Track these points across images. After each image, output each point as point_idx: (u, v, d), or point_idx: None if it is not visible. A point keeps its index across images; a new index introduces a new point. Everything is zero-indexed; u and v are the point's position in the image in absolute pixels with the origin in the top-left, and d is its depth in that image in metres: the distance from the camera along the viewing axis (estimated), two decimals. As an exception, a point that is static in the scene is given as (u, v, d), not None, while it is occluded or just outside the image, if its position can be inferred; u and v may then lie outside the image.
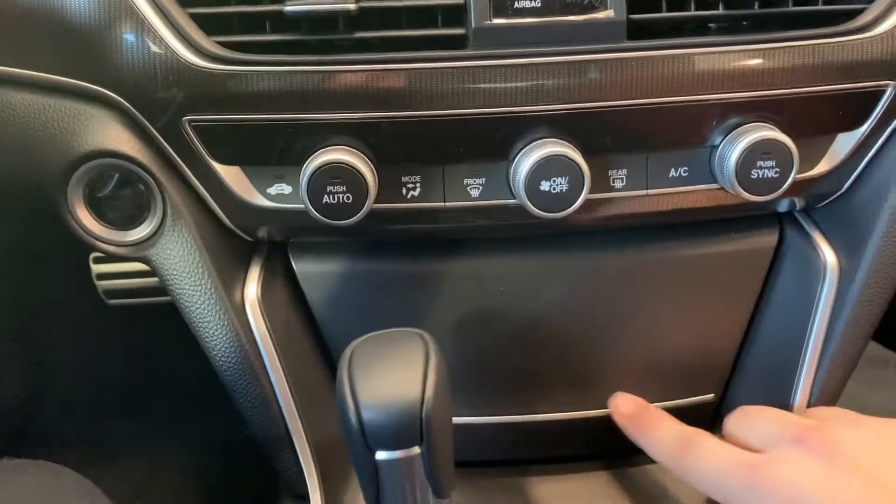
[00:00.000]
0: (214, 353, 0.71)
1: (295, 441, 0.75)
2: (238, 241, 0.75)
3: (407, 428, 0.57)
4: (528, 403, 0.84)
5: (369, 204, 0.67)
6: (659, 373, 0.84)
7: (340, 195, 0.66)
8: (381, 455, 0.58)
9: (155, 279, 0.72)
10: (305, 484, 0.76)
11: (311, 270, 0.77)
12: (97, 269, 1.20)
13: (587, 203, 0.69)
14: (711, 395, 0.87)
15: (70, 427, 1.39)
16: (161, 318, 0.98)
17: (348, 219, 0.67)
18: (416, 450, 0.58)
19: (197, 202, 0.71)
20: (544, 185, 0.67)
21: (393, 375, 0.59)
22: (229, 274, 0.73)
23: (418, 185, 0.70)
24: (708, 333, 0.83)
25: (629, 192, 0.72)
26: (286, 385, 0.73)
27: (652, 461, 0.75)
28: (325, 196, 0.66)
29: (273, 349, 0.73)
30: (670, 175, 0.72)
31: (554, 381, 0.84)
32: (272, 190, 0.70)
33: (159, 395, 1.40)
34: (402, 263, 0.77)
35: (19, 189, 0.71)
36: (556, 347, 0.82)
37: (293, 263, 0.77)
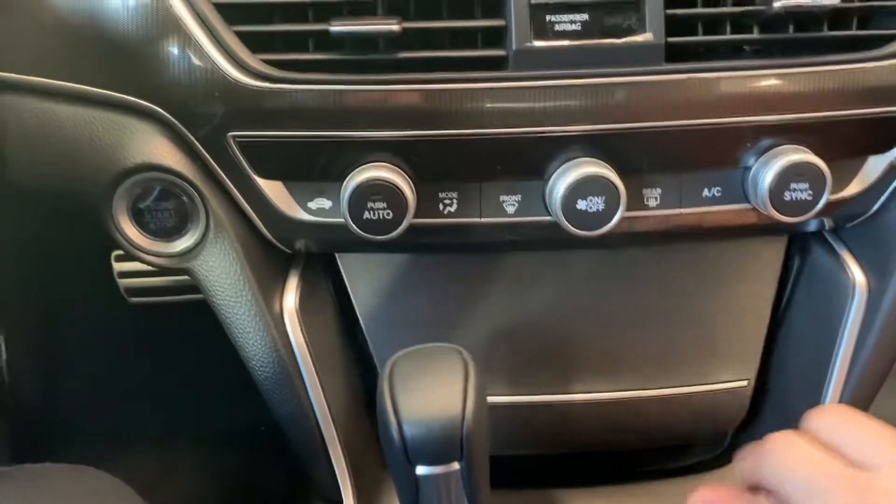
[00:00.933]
0: (254, 363, 0.73)
1: (330, 450, 0.76)
2: (277, 252, 0.76)
3: (448, 443, 0.59)
4: (563, 385, 0.87)
5: (408, 219, 0.68)
6: (689, 357, 0.86)
7: (381, 211, 0.67)
8: (421, 469, 0.60)
9: (176, 278, 0.73)
10: (339, 491, 0.78)
11: (359, 276, 0.79)
12: (119, 267, 1.21)
13: (621, 221, 0.70)
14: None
15: (90, 423, 1.41)
16: (181, 315, 1.00)
17: (388, 234, 0.68)
18: (456, 465, 0.60)
19: (239, 215, 0.72)
20: (581, 205, 0.68)
21: (434, 391, 0.60)
22: (268, 285, 0.74)
23: (455, 200, 0.72)
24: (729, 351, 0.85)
25: (663, 210, 0.73)
26: (322, 395, 0.75)
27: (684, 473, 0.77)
28: (366, 212, 0.67)
29: (310, 359, 0.74)
30: (703, 195, 0.73)
31: (587, 366, 0.87)
32: (313, 204, 0.72)
33: (178, 392, 1.41)
34: (444, 268, 0.79)
35: (64, 202, 0.72)
36: (589, 337, 0.85)
37: (341, 270, 0.79)
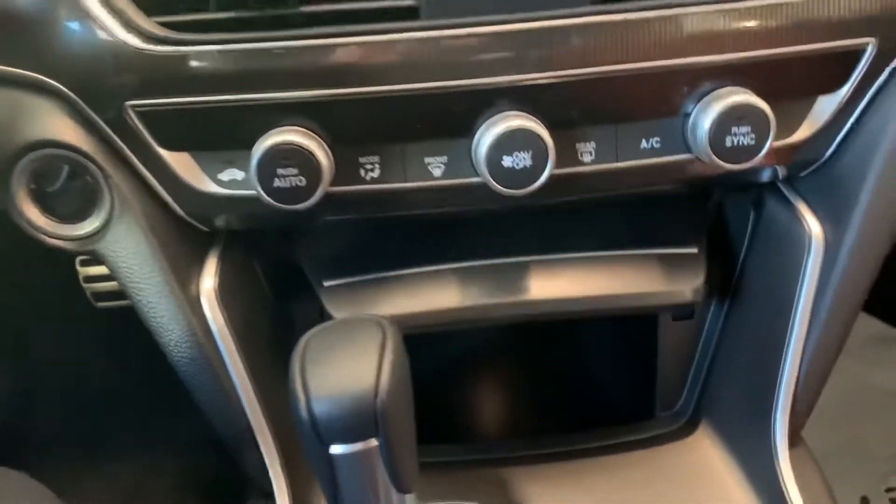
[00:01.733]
0: (170, 348, 0.68)
1: (259, 439, 0.72)
2: (194, 231, 0.72)
3: (361, 419, 0.54)
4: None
5: (324, 187, 0.64)
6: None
7: (292, 178, 0.63)
8: (335, 449, 0.55)
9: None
10: (272, 483, 0.73)
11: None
12: (84, 271, 1.17)
13: (554, 179, 0.66)
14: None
15: (64, 432, 1.38)
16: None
17: (302, 203, 0.64)
18: (374, 442, 0.55)
19: (146, 191, 0.68)
20: (507, 161, 0.64)
21: (346, 364, 0.56)
22: (184, 266, 0.70)
23: (377, 165, 0.67)
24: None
25: (599, 165, 0.68)
26: (248, 380, 0.71)
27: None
28: (277, 180, 0.63)
29: (233, 343, 0.70)
30: (641, 147, 0.68)
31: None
32: (223, 176, 0.67)
33: (153, 396, 1.37)
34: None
35: None
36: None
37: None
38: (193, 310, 0.69)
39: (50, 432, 1.37)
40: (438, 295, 0.76)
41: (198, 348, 0.68)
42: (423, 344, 1.02)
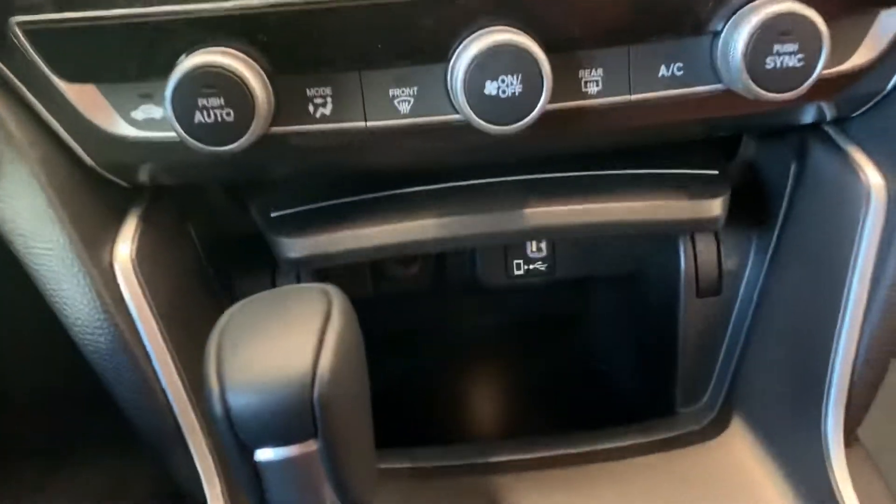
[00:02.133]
0: (76, 329, 0.55)
1: (189, 440, 0.59)
2: (112, 188, 0.58)
3: (294, 415, 0.41)
4: None
5: (262, 125, 0.51)
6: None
7: (218, 111, 0.50)
8: (262, 454, 0.42)
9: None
10: (203, 490, 0.60)
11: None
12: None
13: (552, 116, 0.53)
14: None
15: (32, 435, 1.26)
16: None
17: (232, 144, 0.50)
18: (312, 445, 0.42)
19: (45, 135, 0.54)
20: (490, 87, 0.50)
21: (276, 344, 0.42)
22: (94, 228, 0.57)
23: (329, 99, 0.54)
24: None
25: (607, 98, 0.55)
26: (174, 369, 0.57)
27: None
28: (198, 113, 0.50)
29: (154, 323, 0.57)
30: (660, 75, 0.55)
31: None
32: (138, 114, 0.54)
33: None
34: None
35: None
36: None
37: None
38: (105, 282, 0.55)
39: (17, 435, 1.26)
40: (419, 214, 0.62)
41: (109, 329, 0.55)
42: (405, 327, 0.90)
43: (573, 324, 0.85)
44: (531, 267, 0.80)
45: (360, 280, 0.81)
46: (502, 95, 0.50)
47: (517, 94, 0.50)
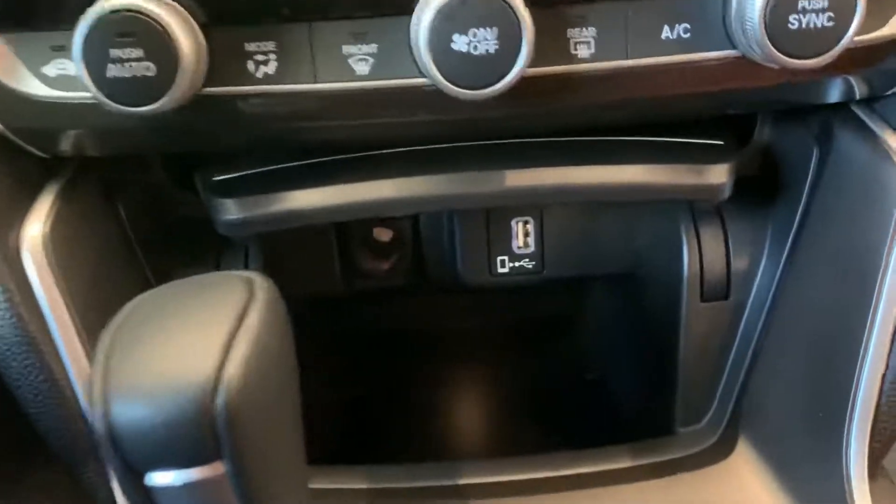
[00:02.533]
0: None
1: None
2: (28, 159, 0.51)
3: (190, 432, 0.33)
4: None
5: (189, 83, 0.43)
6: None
7: (135, 64, 0.42)
8: (155, 478, 0.34)
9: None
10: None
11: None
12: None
13: (534, 82, 0.45)
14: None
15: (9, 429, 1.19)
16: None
17: (151, 104, 0.43)
18: (219, 468, 0.34)
19: (-59, 92, 0.47)
20: (459, 43, 0.42)
21: (176, 343, 0.34)
22: (5, 203, 0.49)
23: (273, 56, 0.46)
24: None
25: (600, 63, 0.47)
26: (86, 361, 0.49)
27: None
28: (111, 65, 0.42)
29: (67, 315, 0.49)
30: (663, 37, 0.47)
31: None
32: (50, 69, 0.46)
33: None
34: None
35: None
36: None
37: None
38: (8, 265, 0.47)
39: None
40: (376, 174, 0.54)
41: (9, 320, 0.47)
42: (377, 329, 0.82)
43: (563, 328, 0.77)
44: (517, 264, 0.72)
45: (329, 274, 0.73)
46: (474, 52, 0.42)
47: (491, 51, 0.42)
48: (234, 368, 0.33)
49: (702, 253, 0.62)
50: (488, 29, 0.42)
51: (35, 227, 0.49)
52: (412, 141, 0.53)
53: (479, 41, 0.42)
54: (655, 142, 0.57)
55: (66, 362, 0.49)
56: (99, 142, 0.50)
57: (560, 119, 0.51)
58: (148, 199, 0.58)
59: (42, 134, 0.49)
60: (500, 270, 0.72)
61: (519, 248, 0.72)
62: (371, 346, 0.83)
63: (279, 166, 0.54)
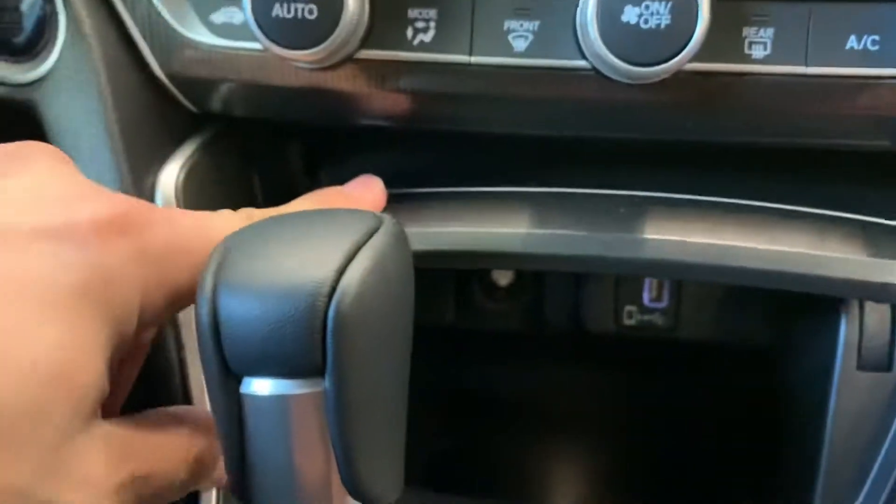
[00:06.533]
0: None
1: (191, 385, 0.48)
2: (178, 110, 0.52)
3: (298, 336, 0.30)
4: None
5: (348, 33, 0.43)
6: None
7: (300, 6, 0.42)
8: (250, 386, 0.31)
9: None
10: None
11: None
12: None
13: (701, 78, 0.42)
14: None
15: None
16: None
17: (311, 48, 0.42)
18: (318, 384, 0.31)
19: (116, 31, 0.48)
20: (630, 14, 0.40)
21: (297, 250, 0.32)
22: (147, 143, 0.49)
23: (433, 24, 0.45)
24: None
25: (775, 66, 0.44)
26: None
27: None
28: (277, 6, 0.42)
29: None
30: (847, 47, 0.43)
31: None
32: (218, 16, 0.47)
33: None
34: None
35: None
36: None
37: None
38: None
39: None
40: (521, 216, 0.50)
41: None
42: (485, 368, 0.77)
43: (688, 389, 0.69)
44: (646, 318, 0.67)
45: (442, 304, 0.70)
46: (644, 26, 0.40)
47: (663, 26, 0.40)
48: (353, 278, 0.30)
49: (862, 317, 0.55)
50: (662, 2, 0.40)
51: (172, 173, 0.49)
52: (557, 137, 0.51)
53: (650, 14, 0.40)
54: (823, 215, 0.52)
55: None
56: (250, 100, 0.51)
57: (722, 125, 0.47)
58: (280, 180, 0.58)
59: (199, 85, 0.50)
60: (627, 321, 0.68)
61: (650, 300, 0.68)
62: (467, 387, 0.77)
63: (405, 191, 0.52)
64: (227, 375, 0.31)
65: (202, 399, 0.48)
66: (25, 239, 0.31)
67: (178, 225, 0.36)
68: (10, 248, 0.31)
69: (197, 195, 0.50)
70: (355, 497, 0.32)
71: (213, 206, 0.52)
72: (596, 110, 0.46)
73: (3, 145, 0.37)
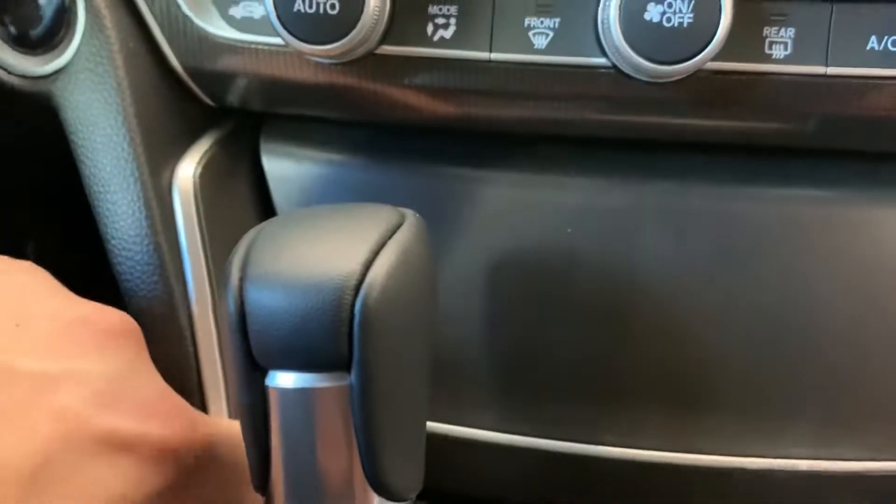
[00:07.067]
0: (113, 241, 0.47)
1: (209, 399, 0.48)
2: (194, 104, 0.52)
3: (325, 329, 0.30)
4: (587, 425, 0.54)
5: (369, 29, 0.42)
6: (823, 412, 0.52)
7: (322, 2, 0.42)
8: (276, 379, 0.31)
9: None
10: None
11: (284, 173, 0.53)
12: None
13: (721, 78, 0.43)
14: None
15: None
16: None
17: (331, 43, 0.42)
18: (343, 378, 0.31)
19: (135, 25, 0.48)
20: (653, 12, 0.40)
21: (324, 242, 0.32)
22: (164, 138, 0.49)
23: (453, 20, 0.45)
24: None
25: (795, 66, 0.44)
26: (211, 316, 0.47)
27: None
28: (299, 0, 0.42)
29: (203, 257, 0.48)
30: (868, 47, 0.43)
31: (636, 398, 0.53)
32: (237, 10, 0.47)
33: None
34: (413, 169, 0.51)
35: None
36: (649, 342, 0.52)
37: (262, 159, 0.53)
38: (158, 196, 0.47)
39: None
40: None
41: (148, 247, 0.46)
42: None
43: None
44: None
45: None
46: (666, 24, 0.40)
47: (686, 24, 0.40)
48: (379, 272, 0.31)
49: None
50: (685, 0, 0.40)
51: (188, 168, 0.49)
52: (575, 137, 0.51)
53: (674, 13, 0.40)
54: None
55: (191, 302, 0.48)
56: (268, 95, 0.51)
57: (743, 126, 0.47)
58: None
59: (216, 78, 0.50)
60: None
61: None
62: None
63: None
64: (253, 368, 0.31)
65: (216, 394, 0.48)
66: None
67: None
68: None
69: (213, 190, 0.50)
70: (378, 491, 0.32)
71: (230, 200, 0.52)
72: (614, 109, 0.46)
73: None
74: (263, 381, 0.31)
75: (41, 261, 0.42)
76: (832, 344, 0.50)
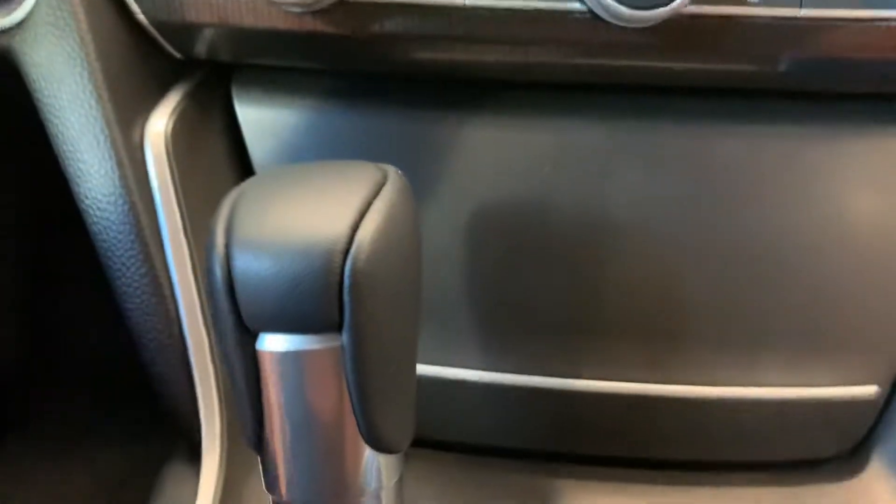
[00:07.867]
0: (86, 201, 0.46)
1: (192, 357, 0.48)
2: (162, 58, 0.50)
3: (315, 292, 0.30)
4: (569, 362, 0.55)
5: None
6: (792, 342, 0.54)
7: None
8: (266, 342, 0.31)
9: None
10: (200, 428, 0.49)
11: (258, 122, 0.52)
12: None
13: (696, 23, 0.42)
14: (874, 388, 0.55)
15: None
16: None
17: (299, -9, 0.41)
18: (334, 340, 0.31)
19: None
20: (628, -44, 0.40)
21: (308, 204, 0.32)
22: (132, 92, 0.48)
23: (423, -35, 0.44)
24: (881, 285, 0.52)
25: (769, 10, 0.43)
26: (190, 270, 0.47)
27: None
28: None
29: (178, 212, 0.47)
30: (845, -12, 0.43)
31: (614, 333, 0.54)
32: (200, -43, 0.46)
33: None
34: (389, 117, 0.51)
35: None
36: (626, 279, 0.53)
37: (236, 109, 0.52)
38: (129, 153, 0.46)
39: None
40: None
41: (123, 206, 0.45)
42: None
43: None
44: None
45: None
46: (642, -32, 0.40)
47: (662, -33, 0.40)
48: (367, 234, 0.31)
49: None
50: (662, -55, 0.40)
51: (159, 123, 0.48)
52: (551, 82, 0.50)
53: (650, -45, 0.40)
54: None
55: (169, 259, 0.47)
56: (237, 45, 0.49)
57: (717, 71, 0.47)
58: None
59: (183, 30, 0.48)
60: None
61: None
62: None
63: None
64: (243, 332, 0.31)
65: (200, 351, 0.48)
66: None
67: None
68: None
69: (186, 144, 0.49)
70: (371, 445, 0.33)
71: (204, 153, 0.51)
72: (591, 53, 0.46)
73: None
74: (254, 345, 0.31)
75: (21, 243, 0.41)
76: (801, 276, 0.52)
